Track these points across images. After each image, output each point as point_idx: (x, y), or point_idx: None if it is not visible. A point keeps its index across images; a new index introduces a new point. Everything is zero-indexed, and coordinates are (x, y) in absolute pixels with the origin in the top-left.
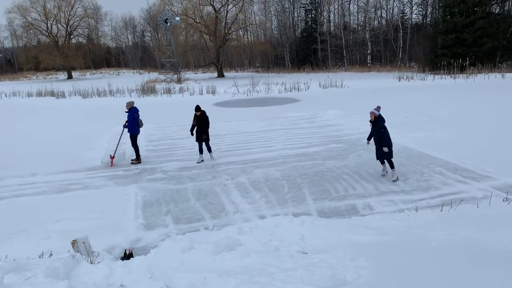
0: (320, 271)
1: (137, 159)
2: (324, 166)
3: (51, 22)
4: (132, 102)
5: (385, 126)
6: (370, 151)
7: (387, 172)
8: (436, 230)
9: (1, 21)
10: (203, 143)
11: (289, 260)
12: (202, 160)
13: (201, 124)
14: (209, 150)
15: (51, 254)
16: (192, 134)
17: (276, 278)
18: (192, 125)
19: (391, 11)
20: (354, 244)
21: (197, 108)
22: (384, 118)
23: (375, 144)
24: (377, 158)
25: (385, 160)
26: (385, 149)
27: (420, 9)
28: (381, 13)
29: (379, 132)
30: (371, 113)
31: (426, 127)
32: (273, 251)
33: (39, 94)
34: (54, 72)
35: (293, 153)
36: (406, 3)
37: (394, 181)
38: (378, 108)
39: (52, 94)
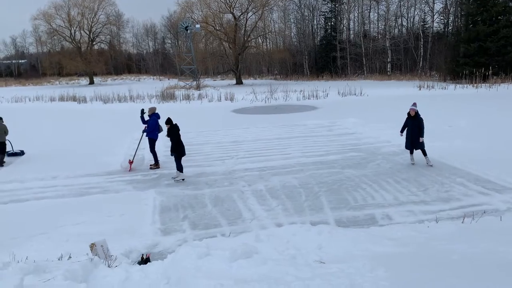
0: (338, 281)
1: (156, 164)
2: (343, 174)
3: (74, 29)
4: (154, 108)
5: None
6: (389, 161)
7: (413, 163)
8: (457, 243)
9: (27, 27)
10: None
11: (306, 269)
12: (183, 179)
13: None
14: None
15: (70, 257)
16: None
17: (293, 287)
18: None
19: (412, 20)
20: (373, 254)
21: (167, 121)
22: (399, 124)
23: (409, 135)
24: (409, 148)
25: (414, 150)
26: (423, 139)
27: (441, 17)
28: (401, 21)
29: (420, 125)
30: (412, 109)
31: (447, 137)
32: (290, 260)
33: (62, 98)
34: (77, 77)
35: (311, 161)
36: (428, 12)
37: (430, 165)
38: (415, 104)
39: (74, 99)
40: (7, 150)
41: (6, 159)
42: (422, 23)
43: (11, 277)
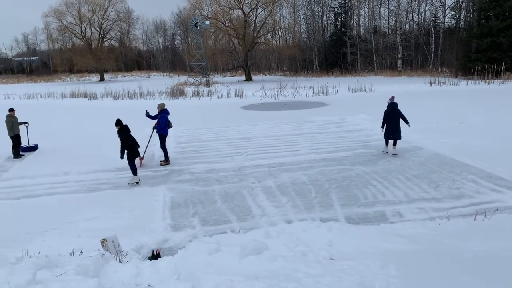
0: (349, 278)
1: (166, 161)
2: (353, 171)
3: (85, 26)
4: (163, 104)
5: None
6: (400, 158)
7: (387, 152)
8: (469, 240)
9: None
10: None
11: (316, 266)
12: (137, 182)
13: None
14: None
15: (81, 252)
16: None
17: (303, 284)
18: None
19: (423, 15)
20: (384, 251)
21: (116, 123)
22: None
23: (391, 126)
24: (390, 137)
25: (389, 141)
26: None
27: (453, 12)
28: (412, 16)
29: (400, 114)
30: (387, 101)
31: (459, 134)
32: (300, 256)
33: (73, 95)
34: (87, 74)
35: (321, 157)
36: (439, 7)
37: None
38: (392, 98)
39: (85, 95)
40: (22, 144)
41: (20, 152)
42: (433, 19)
43: (24, 271)
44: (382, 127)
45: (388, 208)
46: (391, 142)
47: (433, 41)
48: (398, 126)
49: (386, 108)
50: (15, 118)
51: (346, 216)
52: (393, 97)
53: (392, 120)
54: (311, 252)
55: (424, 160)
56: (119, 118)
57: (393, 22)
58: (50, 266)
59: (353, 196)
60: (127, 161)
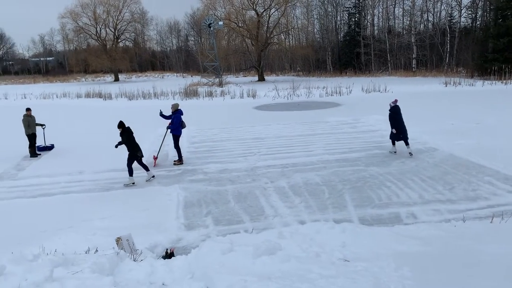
0: (363, 280)
1: (179, 160)
2: (367, 172)
3: (100, 27)
4: (177, 104)
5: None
6: (414, 159)
7: (395, 151)
8: (485, 243)
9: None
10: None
11: (330, 267)
12: (133, 183)
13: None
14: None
15: (96, 250)
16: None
17: (317, 285)
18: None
19: (438, 15)
20: (398, 253)
21: (119, 125)
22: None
23: (399, 127)
24: (400, 138)
25: (395, 142)
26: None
27: (469, 12)
28: (427, 16)
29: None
30: (390, 104)
31: (474, 135)
32: (314, 257)
33: (88, 95)
34: (102, 74)
35: (334, 158)
36: (455, 7)
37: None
38: (394, 102)
39: (99, 95)
40: (38, 144)
41: (37, 152)
42: (449, 18)
43: (42, 269)
44: (392, 127)
45: (403, 209)
46: (398, 143)
47: (448, 41)
48: (404, 126)
49: (389, 111)
50: (32, 117)
51: (360, 217)
52: (396, 100)
53: (399, 122)
54: (325, 253)
55: (438, 161)
56: (121, 120)
57: (408, 22)
58: (66, 264)
59: (367, 197)
60: (126, 162)
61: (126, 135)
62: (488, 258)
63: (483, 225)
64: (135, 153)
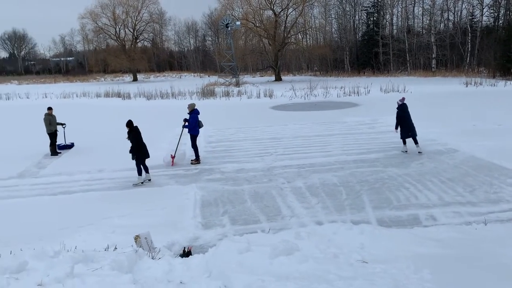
0: (381, 282)
1: (197, 160)
2: (385, 173)
3: (119, 27)
4: (194, 104)
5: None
6: (433, 160)
7: (406, 151)
8: (507, 246)
9: (75, 26)
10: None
11: (348, 268)
12: (142, 183)
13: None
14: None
15: (115, 248)
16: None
17: (335, 286)
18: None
19: (459, 14)
20: (417, 255)
21: (127, 124)
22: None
23: (407, 125)
24: (408, 136)
25: (406, 140)
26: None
27: (491, 11)
28: (448, 15)
29: (399, 115)
30: (397, 102)
31: (496, 136)
32: (332, 258)
33: (107, 95)
34: (121, 74)
35: (352, 159)
36: (476, 5)
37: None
38: (402, 100)
39: (118, 95)
40: (59, 142)
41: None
42: (470, 17)
43: (63, 265)
44: (396, 128)
45: (422, 211)
46: (408, 140)
47: (469, 41)
48: (412, 124)
49: (396, 109)
50: (53, 116)
51: (378, 218)
52: (403, 98)
53: (407, 120)
54: (343, 254)
55: (459, 162)
56: (130, 119)
57: (428, 21)
58: (86, 261)
59: (385, 198)
60: (135, 162)
61: (133, 135)
62: (510, 262)
63: (505, 228)
64: (139, 153)
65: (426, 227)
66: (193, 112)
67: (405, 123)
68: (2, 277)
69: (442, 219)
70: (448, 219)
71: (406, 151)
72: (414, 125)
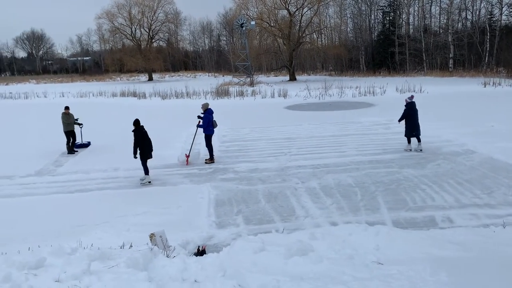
0: (398, 284)
1: (211, 159)
2: (401, 174)
3: (135, 27)
4: (207, 104)
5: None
6: (450, 161)
7: (411, 149)
8: None
9: (92, 26)
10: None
11: (364, 270)
12: (149, 182)
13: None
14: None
15: (131, 246)
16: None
17: (350, 287)
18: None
19: (477, 13)
20: (434, 257)
21: (134, 123)
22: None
23: (414, 123)
24: (413, 135)
25: (411, 139)
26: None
27: (511, 10)
28: (466, 14)
29: (408, 114)
30: (405, 100)
31: None
32: (347, 259)
33: (123, 94)
34: (136, 74)
35: (367, 159)
36: (495, 4)
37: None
38: (411, 97)
39: (134, 94)
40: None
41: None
42: (488, 16)
43: (80, 262)
44: (400, 121)
45: (438, 213)
46: (413, 140)
47: (488, 40)
48: (418, 123)
49: (404, 107)
50: (70, 115)
51: (394, 220)
52: (412, 96)
53: (414, 118)
54: (358, 256)
55: (476, 164)
56: (138, 118)
57: (445, 21)
58: (102, 258)
59: (401, 199)
60: (140, 161)
61: (137, 134)
62: None
63: None
64: (145, 152)
65: (442, 229)
66: (207, 112)
67: (411, 122)
68: (21, 273)
69: (459, 221)
70: (465, 221)
71: (410, 150)
72: (420, 124)
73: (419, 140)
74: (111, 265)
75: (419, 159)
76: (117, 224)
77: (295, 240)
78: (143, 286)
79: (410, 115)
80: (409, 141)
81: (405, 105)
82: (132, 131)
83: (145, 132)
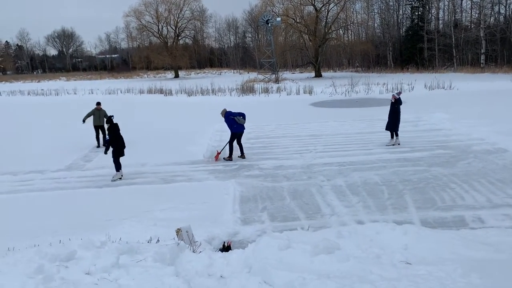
0: (426, 284)
1: (229, 157)
2: (429, 173)
3: (162, 24)
4: (224, 110)
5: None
6: (482, 160)
7: (393, 144)
8: None
9: (120, 24)
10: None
11: (391, 269)
12: (120, 178)
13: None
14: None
15: (158, 240)
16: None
17: (378, 287)
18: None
19: (510, 7)
20: (465, 258)
21: (107, 121)
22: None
23: (397, 121)
24: (388, 129)
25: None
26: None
27: None
28: (499, 8)
29: (397, 109)
30: (392, 96)
31: None
32: (374, 258)
33: (150, 91)
34: (163, 71)
35: (395, 157)
36: None
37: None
38: (399, 93)
39: (160, 91)
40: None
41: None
42: None
43: (109, 255)
44: (390, 118)
45: (468, 213)
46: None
47: None
48: (399, 119)
49: (391, 101)
50: (102, 110)
51: (422, 219)
52: (400, 92)
53: (397, 113)
54: (385, 255)
55: (509, 163)
56: (111, 116)
57: (476, 15)
58: (131, 252)
59: (430, 199)
60: (112, 158)
61: (114, 132)
62: None
63: None
64: (118, 149)
65: (473, 229)
66: (225, 116)
67: (398, 117)
68: (52, 265)
69: (491, 221)
70: (497, 221)
71: (393, 144)
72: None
73: (396, 135)
74: (139, 259)
75: (448, 158)
76: (144, 219)
77: (321, 238)
78: (170, 280)
79: (394, 110)
80: (392, 136)
81: (394, 101)
82: (107, 129)
83: (119, 130)
